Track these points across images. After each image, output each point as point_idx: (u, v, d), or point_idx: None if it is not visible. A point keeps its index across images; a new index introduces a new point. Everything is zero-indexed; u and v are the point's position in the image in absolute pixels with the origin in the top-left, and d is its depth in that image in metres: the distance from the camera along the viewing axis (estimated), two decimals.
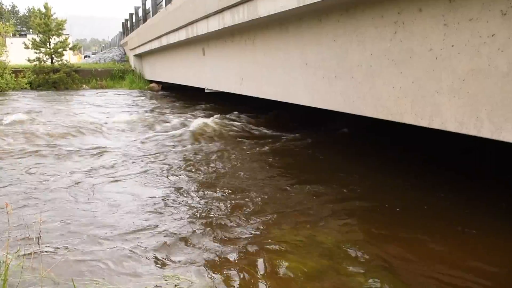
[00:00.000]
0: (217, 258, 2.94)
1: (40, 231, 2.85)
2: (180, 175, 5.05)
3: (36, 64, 20.19)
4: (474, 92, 2.87)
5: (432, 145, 6.14)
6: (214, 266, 2.83)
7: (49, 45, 20.72)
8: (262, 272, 2.74)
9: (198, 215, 3.73)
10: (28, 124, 8.43)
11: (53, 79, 19.97)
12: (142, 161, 5.72)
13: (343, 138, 7.54)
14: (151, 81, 20.27)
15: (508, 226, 3.43)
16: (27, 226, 3.22)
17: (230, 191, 4.39)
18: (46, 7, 20.79)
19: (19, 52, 22.82)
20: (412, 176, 4.92)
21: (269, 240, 3.19)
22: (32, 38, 20.92)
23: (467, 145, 5.25)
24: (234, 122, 8.55)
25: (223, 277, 2.68)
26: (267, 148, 6.52)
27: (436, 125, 3.23)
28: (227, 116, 9.08)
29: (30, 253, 2.67)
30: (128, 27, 27.30)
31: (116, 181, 4.81)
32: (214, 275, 2.71)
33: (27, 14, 66.17)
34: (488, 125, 2.80)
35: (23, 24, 65.10)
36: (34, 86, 19.91)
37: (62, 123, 8.76)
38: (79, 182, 4.69)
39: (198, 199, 4.17)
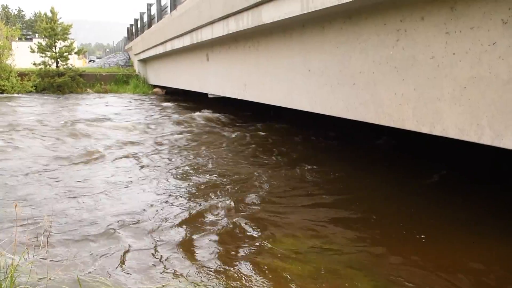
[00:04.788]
0: None
1: (49, 232, 2.88)
2: None
3: (42, 68, 20.36)
4: (475, 100, 2.91)
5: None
6: None
7: (55, 49, 20.90)
8: None
9: None
10: None
11: (58, 83, 20.12)
12: None
13: None
14: (155, 86, 20.40)
15: None
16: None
17: None
18: (52, 11, 21.01)
19: (25, 56, 23.04)
20: None
21: None
22: (38, 42, 21.12)
23: None
24: None
25: None
26: None
27: (437, 131, 3.26)
28: None
29: (39, 253, 2.70)
30: (133, 32, 27.51)
31: None
32: None
33: (33, 19, 66.74)
34: (488, 132, 2.83)
35: (29, 28, 65.61)
36: (39, 89, 20.09)
37: None
38: None
39: None
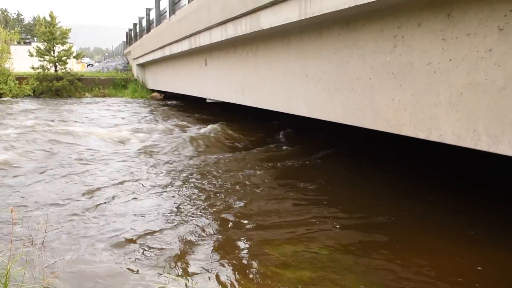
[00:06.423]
0: None
1: (45, 236, 2.86)
2: None
3: (40, 72, 20.35)
4: (472, 106, 2.92)
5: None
6: None
7: (53, 53, 20.91)
8: None
9: None
10: None
11: (56, 87, 20.12)
12: None
13: None
14: (153, 90, 20.40)
15: None
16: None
17: None
18: (51, 15, 21.04)
19: (23, 60, 23.03)
20: None
21: None
22: (37, 46, 21.13)
23: None
24: None
25: None
26: None
27: (434, 137, 3.27)
28: None
29: (33, 259, 2.68)
30: (132, 37, 27.56)
31: None
32: None
33: (32, 23, 66.84)
34: (485, 138, 2.84)
35: (28, 32, 65.67)
36: (37, 93, 20.08)
37: None
38: None
39: None
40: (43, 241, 3.04)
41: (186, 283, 2.72)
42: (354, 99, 4.24)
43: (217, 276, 2.86)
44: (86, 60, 58.68)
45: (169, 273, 2.86)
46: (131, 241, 3.39)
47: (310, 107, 5.21)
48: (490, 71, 2.77)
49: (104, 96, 20.94)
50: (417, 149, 6.17)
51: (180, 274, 2.87)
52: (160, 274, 2.85)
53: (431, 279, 2.86)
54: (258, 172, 5.66)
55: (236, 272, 2.92)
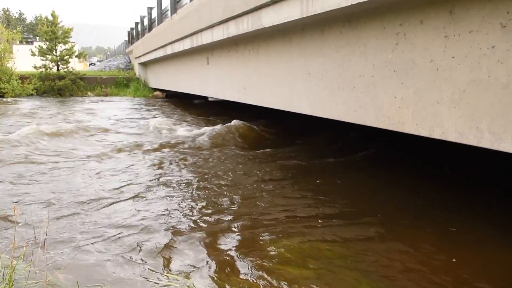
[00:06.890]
0: None
1: (46, 234, 2.88)
2: None
3: (42, 71, 20.43)
4: (474, 103, 2.91)
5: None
6: None
7: (56, 52, 20.98)
8: None
9: None
10: None
11: (59, 86, 20.19)
12: None
13: None
14: (155, 89, 20.43)
15: None
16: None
17: None
18: (53, 15, 21.10)
19: (26, 59, 23.15)
20: None
21: None
22: (39, 46, 21.20)
23: None
24: None
25: None
26: None
27: (436, 135, 3.27)
28: None
29: (36, 256, 2.70)
30: (134, 36, 27.57)
31: None
32: None
33: (34, 22, 67.05)
34: (488, 136, 2.83)
35: (30, 31, 65.90)
36: (40, 92, 20.16)
37: None
38: None
39: None
40: (46, 237, 3.05)
41: (185, 280, 2.72)
42: (356, 97, 4.24)
43: (221, 272, 2.87)
44: (95, 60, 59.46)
45: (168, 270, 2.87)
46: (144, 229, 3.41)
47: (312, 105, 5.21)
48: (493, 68, 2.77)
49: (106, 95, 20.99)
50: (420, 146, 6.17)
51: (179, 271, 2.88)
52: (155, 271, 2.86)
53: (432, 277, 2.86)
54: (267, 169, 5.70)
55: (239, 268, 2.93)
